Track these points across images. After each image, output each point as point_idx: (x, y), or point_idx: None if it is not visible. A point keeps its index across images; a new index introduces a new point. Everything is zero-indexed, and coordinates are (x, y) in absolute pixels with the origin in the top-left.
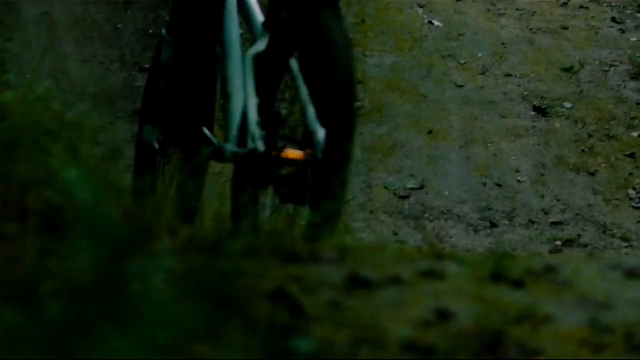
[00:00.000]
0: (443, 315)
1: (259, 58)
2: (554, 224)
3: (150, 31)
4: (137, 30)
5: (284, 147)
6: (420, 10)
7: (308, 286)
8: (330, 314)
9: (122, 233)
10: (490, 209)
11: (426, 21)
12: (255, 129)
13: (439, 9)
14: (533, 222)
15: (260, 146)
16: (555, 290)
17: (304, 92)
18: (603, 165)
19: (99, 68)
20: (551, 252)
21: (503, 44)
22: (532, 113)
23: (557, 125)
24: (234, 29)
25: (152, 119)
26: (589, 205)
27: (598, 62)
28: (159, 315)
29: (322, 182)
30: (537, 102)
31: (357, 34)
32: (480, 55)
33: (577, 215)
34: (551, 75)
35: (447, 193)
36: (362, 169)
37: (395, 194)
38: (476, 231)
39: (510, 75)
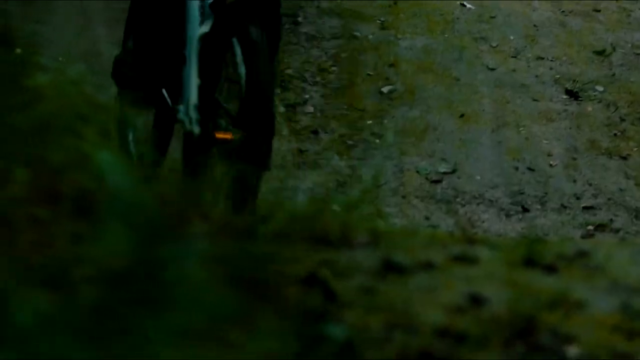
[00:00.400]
0: (475, 301)
1: (203, 39)
2: (585, 208)
3: None
4: None
5: (219, 127)
6: None
7: (340, 271)
8: (362, 299)
9: (155, 217)
10: (522, 193)
11: (458, 3)
12: (192, 112)
13: None
14: (565, 207)
15: (196, 129)
16: (588, 275)
17: (243, 72)
18: (635, 149)
19: None
20: (583, 237)
21: (535, 26)
22: (564, 96)
23: (589, 108)
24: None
25: (118, 78)
26: (621, 190)
27: (630, 45)
28: (193, 301)
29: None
30: (568, 85)
31: (389, 16)
32: (511, 37)
33: (609, 199)
34: (583, 58)
35: (478, 177)
36: (394, 152)
37: (427, 178)
38: (508, 216)
39: (542, 58)
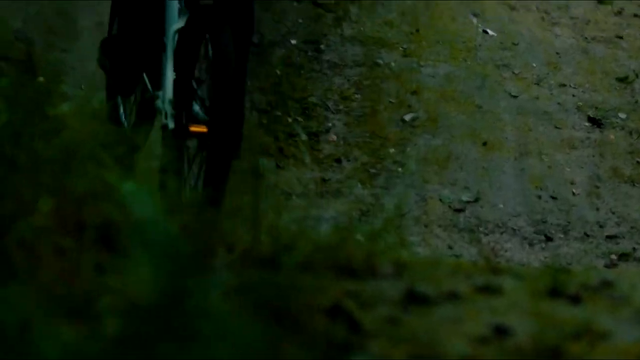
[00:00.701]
0: (500, 331)
1: (179, 33)
2: (609, 237)
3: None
4: None
5: (193, 120)
6: (474, 19)
7: (365, 301)
8: (387, 329)
9: (179, 248)
10: (545, 221)
11: (480, 30)
12: (167, 107)
13: (493, 17)
14: (588, 235)
15: (171, 124)
16: (612, 305)
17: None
18: None
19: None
20: (606, 266)
21: (557, 53)
22: (587, 124)
23: (612, 136)
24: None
25: (102, 62)
26: None
27: None
28: (218, 332)
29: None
30: (591, 113)
31: (411, 43)
32: (534, 64)
33: (632, 228)
34: (605, 85)
35: (501, 205)
36: (416, 181)
37: (449, 207)
38: (531, 245)
39: (565, 85)
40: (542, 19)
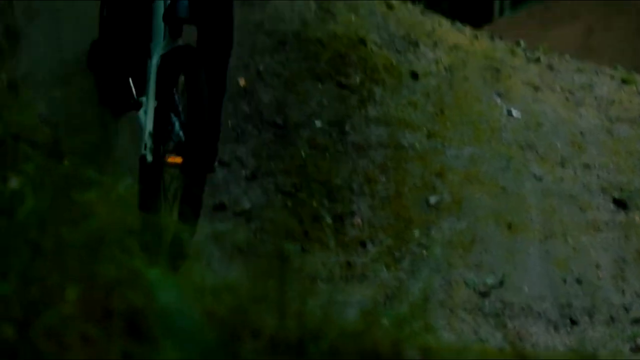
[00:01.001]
0: None
1: (162, 60)
2: (635, 320)
3: (229, 123)
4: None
5: (170, 151)
6: (499, 100)
7: None
8: None
9: (206, 335)
10: (570, 305)
11: (504, 110)
12: (147, 139)
13: (518, 98)
14: (613, 319)
15: (149, 157)
16: None
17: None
18: None
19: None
20: (632, 350)
21: (581, 133)
22: (612, 205)
23: (637, 217)
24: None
25: (91, 64)
26: None
27: None
28: None
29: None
30: (616, 194)
31: (435, 124)
32: (558, 145)
33: None
34: (630, 166)
35: (526, 289)
36: (441, 264)
37: (475, 290)
38: (556, 328)
39: (589, 166)
40: (567, 99)
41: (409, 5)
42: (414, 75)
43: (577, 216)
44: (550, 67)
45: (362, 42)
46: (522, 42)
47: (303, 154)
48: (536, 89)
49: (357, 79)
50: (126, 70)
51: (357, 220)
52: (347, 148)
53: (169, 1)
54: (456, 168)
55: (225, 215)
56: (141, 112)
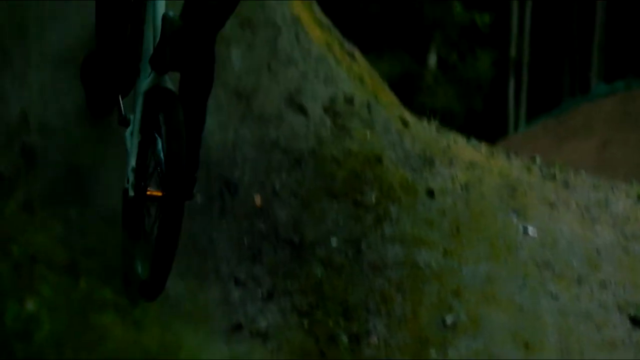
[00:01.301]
0: None
1: (145, 98)
2: None
3: (245, 241)
4: (231, 241)
5: (150, 185)
6: (515, 218)
7: None
8: None
9: None
10: None
11: (520, 228)
12: (130, 174)
13: (534, 215)
14: None
15: (131, 192)
16: None
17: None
18: None
19: (194, 282)
20: None
21: (597, 250)
22: (628, 323)
23: None
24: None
25: (84, 78)
26: None
27: None
28: None
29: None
30: (632, 312)
31: (451, 243)
32: (574, 263)
33: None
34: None
35: None
36: None
37: None
38: None
39: (605, 285)
40: (582, 216)
41: (424, 122)
42: (430, 193)
43: (593, 335)
44: (566, 184)
45: (378, 159)
46: (537, 159)
47: (319, 273)
48: (552, 206)
49: (373, 197)
50: (116, 86)
51: (374, 339)
52: (363, 267)
53: (159, 23)
54: (472, 287)
55: (242, 335)
56: (127, 132)
